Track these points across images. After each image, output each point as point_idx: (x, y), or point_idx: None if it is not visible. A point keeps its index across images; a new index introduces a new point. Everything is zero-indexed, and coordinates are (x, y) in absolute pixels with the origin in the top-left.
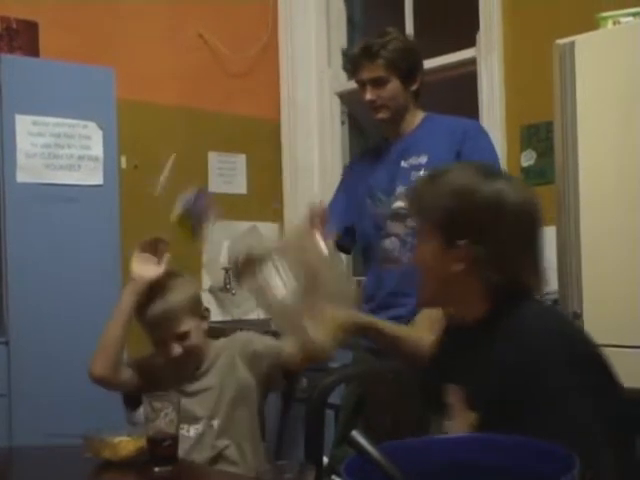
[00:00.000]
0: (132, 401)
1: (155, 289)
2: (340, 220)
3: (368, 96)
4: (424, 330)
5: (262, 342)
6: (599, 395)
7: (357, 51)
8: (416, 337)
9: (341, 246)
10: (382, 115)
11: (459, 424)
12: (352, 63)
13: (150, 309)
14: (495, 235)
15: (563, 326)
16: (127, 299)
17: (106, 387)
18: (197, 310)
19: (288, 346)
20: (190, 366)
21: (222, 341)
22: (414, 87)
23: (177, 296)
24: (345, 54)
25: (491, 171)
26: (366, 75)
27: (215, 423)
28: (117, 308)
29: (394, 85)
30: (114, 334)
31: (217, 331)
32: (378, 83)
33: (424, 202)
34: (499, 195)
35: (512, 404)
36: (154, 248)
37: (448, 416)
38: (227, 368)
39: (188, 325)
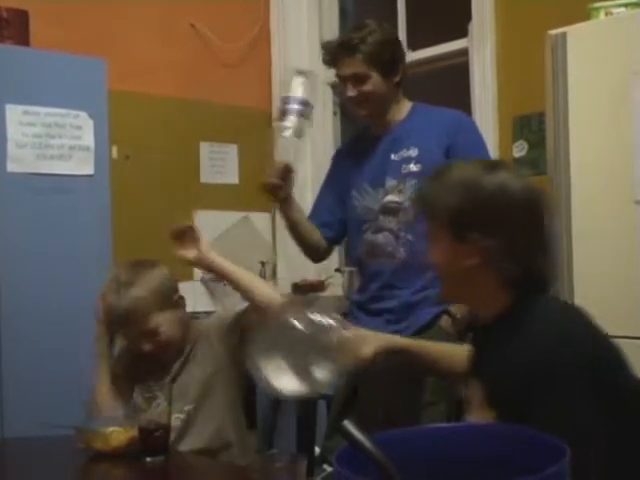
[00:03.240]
0: None
1: (118, 283)
2: (329, 214)
3: (349, 92)
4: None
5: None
6: (605, 396)
7: (335, 46)
8: (451, 354)
9: (331, 239)
10: (364, 111)
11: (477, 419)
12: (331, 57)
13: (114, 307)
14: (503, 226)
15: (575, 327)
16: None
17: None
18: (166, 302)
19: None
20: (169, 356)
21: (204, 324)
22: (396, 79)
23: (140, 291)
24: (324, 47)
25: (492, 164)
26: (346, 71)
27: (190, 409)
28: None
29: (375, 80)
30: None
31: None
32: (358, 79)
33: (429, 202)
34: (503, 186)
35: (521, 404)
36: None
37: (468, 411)
38: (204, 358)
39: (156, 321)
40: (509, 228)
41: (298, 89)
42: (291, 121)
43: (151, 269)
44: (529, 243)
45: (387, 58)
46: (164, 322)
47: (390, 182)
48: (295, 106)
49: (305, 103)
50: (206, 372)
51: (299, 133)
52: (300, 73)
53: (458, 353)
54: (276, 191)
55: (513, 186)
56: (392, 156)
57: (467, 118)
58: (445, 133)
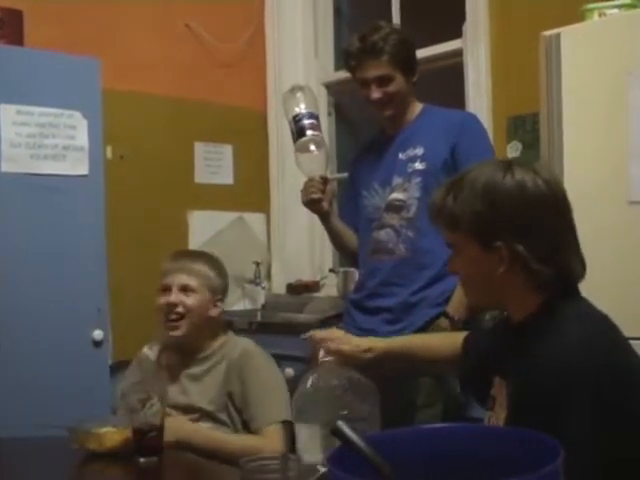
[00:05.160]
0: None
1: (191, 252)
2: (352, 221)
3: (375, 95)
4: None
5: (256, 397)
6: (613, 429)
7: (359, 48)
8: (448, 345)
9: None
10: (390, 112)
11: (498, 417)
12: (356, 61)
13: (174, 256)
14: (529, 227)
15: (601, 341)
16: None
17: None
18: (207, 285)
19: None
20: (182, 331)
21: (236, 343)
22: (414, 79)
23: (199, 265)
24: (346, 52)
25: (508, 163)
26: (371, 73)
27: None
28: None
29: (399, 80)
30: None
31: None
32: (383, 80)
33: (450, 213)
34: (521, 186)
35: (552, 406)
36: None
37: (489, 407)
38: (222, 378)
39: (192, 281)
40: (533, 229)
41: (301, 105)
42: (309, 136)
43: (211, 261)
44: (557, 242)
45: (407, 58)
46: (197, 289)
47: (396, 180)
48: (306, 121)
49: (313, 115)
50: (219, 394)
51: (321, 144)
52: (294, 90)
53: (446, 342)
54: (318, 205)
55: (531, 185)
56: (400, 155)
57: (474, 119)
58: (451, 132)
